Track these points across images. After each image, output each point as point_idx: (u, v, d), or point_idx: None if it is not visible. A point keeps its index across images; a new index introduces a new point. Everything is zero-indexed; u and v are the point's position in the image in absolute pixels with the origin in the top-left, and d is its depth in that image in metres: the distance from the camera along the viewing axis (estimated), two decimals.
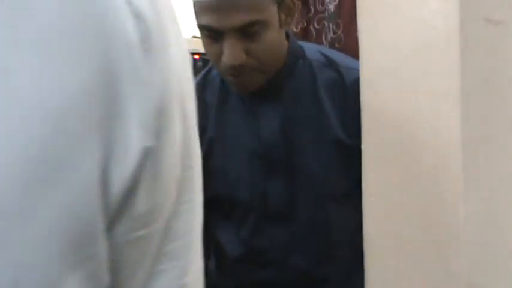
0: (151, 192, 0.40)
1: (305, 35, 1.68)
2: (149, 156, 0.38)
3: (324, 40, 1.63)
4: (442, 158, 1.06)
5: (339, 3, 1.57)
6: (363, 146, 1.18)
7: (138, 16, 0.38)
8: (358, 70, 1.15)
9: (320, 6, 1.64)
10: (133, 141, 0.37)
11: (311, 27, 1.65)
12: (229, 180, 1.31)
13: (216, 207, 1.30)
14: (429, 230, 1.09)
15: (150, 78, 0.38)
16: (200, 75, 1.38)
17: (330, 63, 1.24)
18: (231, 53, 1.14)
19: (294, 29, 1.67)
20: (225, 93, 1.31)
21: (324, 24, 1.61)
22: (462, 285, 1.05)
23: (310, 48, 1.31)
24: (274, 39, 1.19)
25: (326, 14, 1.61)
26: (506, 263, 1.07)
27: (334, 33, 1.57)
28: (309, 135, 1.27)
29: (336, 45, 1.56)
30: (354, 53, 1.42)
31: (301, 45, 1.31)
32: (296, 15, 1.69)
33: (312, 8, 1.66)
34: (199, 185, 0.47)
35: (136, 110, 0.37)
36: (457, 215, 1.04)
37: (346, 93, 1.21)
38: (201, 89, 1.34)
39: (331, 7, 1.58)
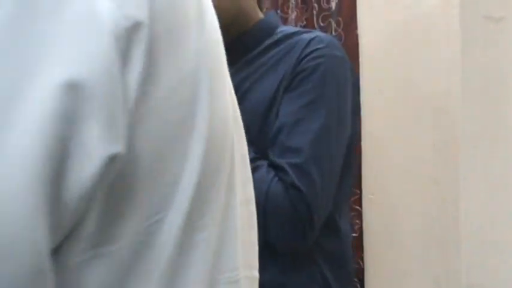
0: None
1: None
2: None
3: None
4: (442, 155, 1.06)
5: (339, 1, 1.57)
6: (363, 144, 1.17)
7: None
8: (312, 39, 1.09)
9: (325, 4, 1.64)
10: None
11: (316, 25, 1.65)
12: None
13: None
14: (429, 229, 1.09)
15: None
16: None
17: (292, 34, 1.16)
18: None
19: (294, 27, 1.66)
20: None
21: (329, 21, 1.61)
22: (462, 284, 1.04)
23: (292, 28, 1.24)
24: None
25: (330, 11, 1.60)
26: (506, 262, 1.06)
27: (335, 30, 1.57)
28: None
29: None
30: (354, 51, 1.42)
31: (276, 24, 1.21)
32: (296, 13, 1.68)
33: (316, 5, 1.66)
34: None
35: None
36: (457, 214, 1.03)
37: (293, 59, 1.12)
38: None
39: (333, 5, 1.58)
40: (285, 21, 1.70)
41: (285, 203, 1.00)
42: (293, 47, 1.11)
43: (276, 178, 1.04)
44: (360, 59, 1.22)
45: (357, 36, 1.40)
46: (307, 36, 1.10)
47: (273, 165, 1.02)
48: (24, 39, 0.33)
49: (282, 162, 1.01)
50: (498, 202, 1.05)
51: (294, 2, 1.67)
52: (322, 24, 1.64)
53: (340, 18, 1.50)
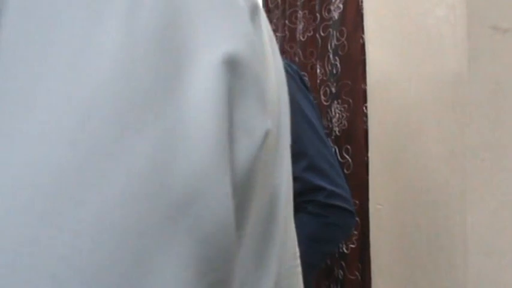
0: None
1: (311, 42, 1.68)
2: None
3: (329, 47, 1.62)
4: (449, 166, 1.06)
5: (343, 10, 1.57)
6: (370, 155, 1.17)
7: None
8: None
9: (326, 13, 1.64)
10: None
11: (317, 35, 1.65)
12: None
13: None
14: (436, 239, 1.09)
15: None
16: None
17: None
18: None
19: (301, 38, 1.66)
20: None
21: (329, 31, 1.61)
22: None
23: None
24: None
25: (331, 21, 1.60)
26: None
27: (337, 40, 1.57)
28: None
29: (340, 52, 1.56)
30: (357, 60, 1.42)
31: None
32: (303, 24, 1.69)
33: (318, 15, 1.66)
34: None
35: None
36: (464, 224, 1.03)
37: None
38: None
39: (336, 14, 1.57)
40: (293, 31, 1.70)
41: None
42: None
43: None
44: (367, 69, 1.22)
45: (360, 46, 1.40)
46: None
47: None
48: (178, 16, 0.32)
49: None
50: (506, 215, 1.05)
51: (301, 13, 1.67)
52: (322, 34, 1.64)
53: (343, 28, 1.50)
